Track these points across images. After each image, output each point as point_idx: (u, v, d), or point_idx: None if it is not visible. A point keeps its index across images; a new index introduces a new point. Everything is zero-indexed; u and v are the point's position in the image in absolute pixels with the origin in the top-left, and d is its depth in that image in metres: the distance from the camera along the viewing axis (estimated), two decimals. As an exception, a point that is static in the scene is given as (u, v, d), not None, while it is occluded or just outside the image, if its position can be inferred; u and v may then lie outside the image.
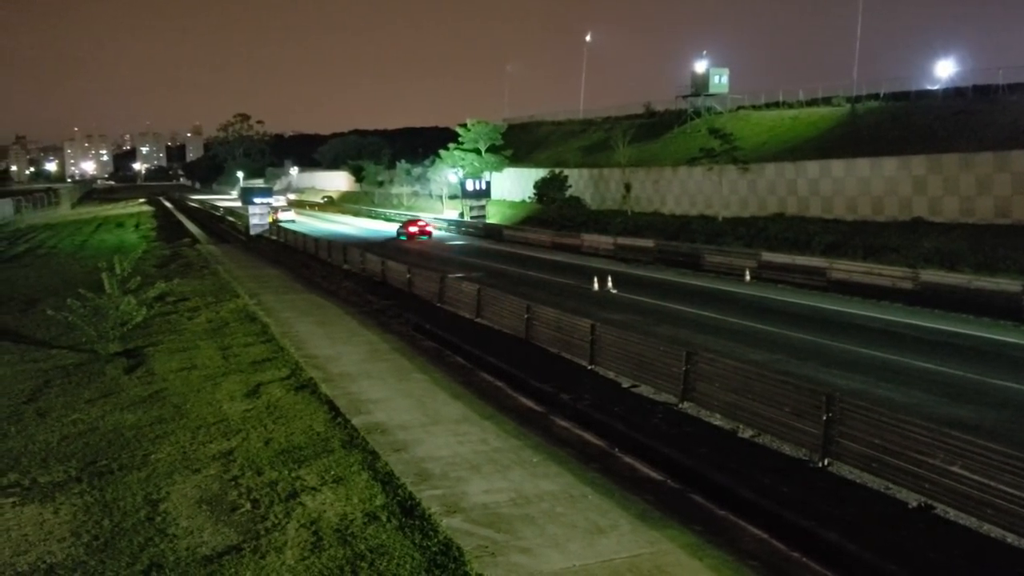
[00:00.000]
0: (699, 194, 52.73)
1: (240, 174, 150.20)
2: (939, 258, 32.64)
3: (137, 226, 74.40)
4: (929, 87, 48.56)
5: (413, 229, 59.30)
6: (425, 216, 72.33)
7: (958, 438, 10.87)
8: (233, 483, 12.33)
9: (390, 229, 65.94)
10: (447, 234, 64.11)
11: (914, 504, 11.08)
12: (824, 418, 12.52)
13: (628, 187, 58.53)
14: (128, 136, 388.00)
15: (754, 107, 59.19)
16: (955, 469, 10.66)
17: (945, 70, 50.18)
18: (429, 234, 59.58)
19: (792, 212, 45.57)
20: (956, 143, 38.73)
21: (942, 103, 44.08)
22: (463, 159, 72.69)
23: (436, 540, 10.11)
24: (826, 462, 12.50)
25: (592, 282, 32.61)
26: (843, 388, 15.91)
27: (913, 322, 24.42)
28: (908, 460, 11.27)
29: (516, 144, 76.21)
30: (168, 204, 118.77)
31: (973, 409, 15.53)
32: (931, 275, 28.34)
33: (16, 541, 10.52)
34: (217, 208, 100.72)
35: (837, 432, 12.38)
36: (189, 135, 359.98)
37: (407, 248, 51.71)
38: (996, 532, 10.14)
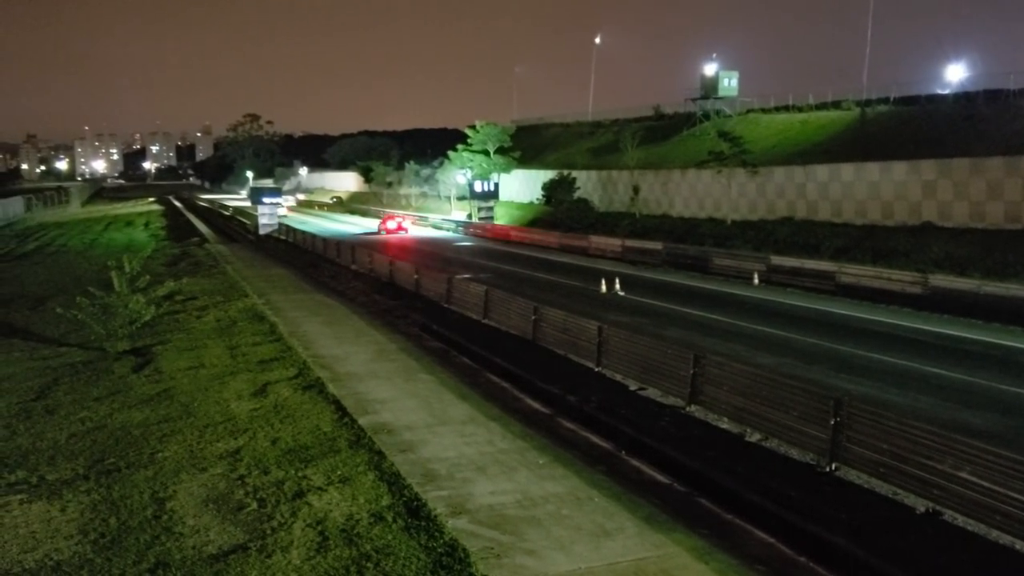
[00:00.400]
0: (708, 197, 52.63)
1: (250, 174, 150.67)
2: (949, 263, 32.50)
3: (147, 225, 74.69)
4: (939, 91, 48.35)
5: (391, 225, 64.55)
6: (434, 216, 73.40)
7: (967, 443, 10.82)
8: (240, 482, 12.35)
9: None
10: (455, 235, 64.35)
11: (922, 510, 11.02)
12: (832, 422, 12.47)
13: (636, 189, 58.47)
14: (138, 135, 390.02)
15: (763, 110, 59.04)
16: (963, 475, 10.61)
17: (955, 74, 49.98)
18: (405, 230, 64.26)
19: (801, 216, 45.42)
20: (966, 148, 38.53)
21: (952, 107, 43.86)
22: (471, 160, 72.73)
23: (442, 541, 10.11)
24: (833, 467, 12.45)
25: (600, 284, 32.57)
26: (851, 392, 15.83)
27: (922, 327, 24.32)
28: (916, 465, 11.22)
29: (524, 146, 76.21)
30: (178, 203, 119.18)
31: (982, 415, 15.46)
32: (940, 280, 28.22)
33: (24, 538, 10.56)
34: (226, 208, 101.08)
35: (845, 437, 12.33)
36: (199, 135, 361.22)
37: (413, 248, 51.78)
38: (1005, 539, 10.08)
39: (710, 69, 63.25)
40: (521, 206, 71.61)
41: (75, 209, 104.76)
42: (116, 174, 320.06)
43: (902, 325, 24.69)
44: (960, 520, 10.60)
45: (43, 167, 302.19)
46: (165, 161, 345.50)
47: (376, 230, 65.43)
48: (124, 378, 19.07)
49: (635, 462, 13.45)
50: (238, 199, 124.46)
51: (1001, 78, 43.52)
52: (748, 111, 60.57)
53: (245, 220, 76.98)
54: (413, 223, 70.53)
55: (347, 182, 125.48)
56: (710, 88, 63.11)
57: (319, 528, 10.61)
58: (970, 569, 9.63)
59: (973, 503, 10.47)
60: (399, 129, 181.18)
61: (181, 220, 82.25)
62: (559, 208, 61.41)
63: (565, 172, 64.62)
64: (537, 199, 67.56)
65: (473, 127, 73.71)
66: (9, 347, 22.67)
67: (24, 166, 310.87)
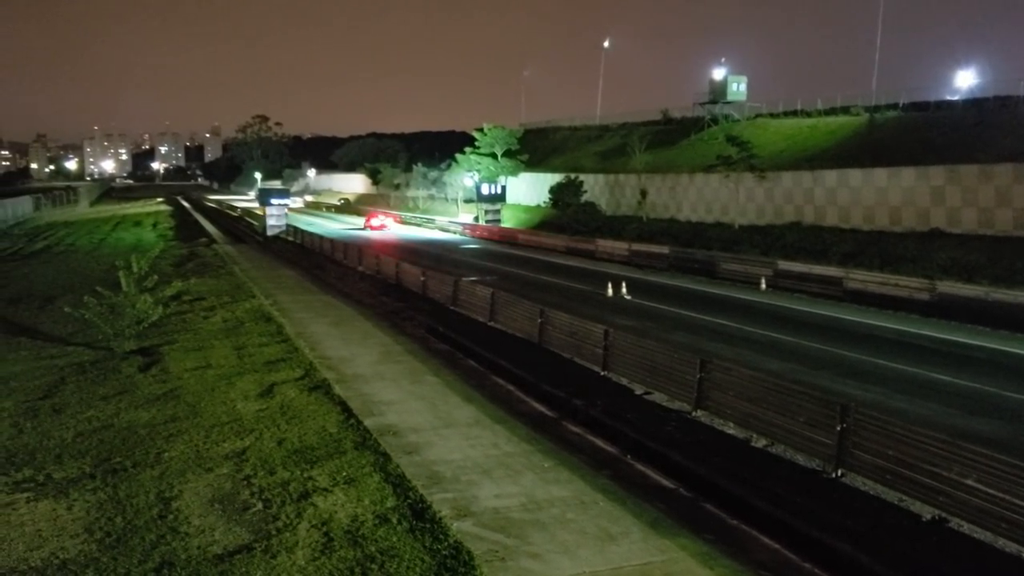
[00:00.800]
0: (715, 201, 52.58)
1: (258, 175, 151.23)
2: (956, 269, 32.39)
3: (155, 225, 74.90)
4: (949, 97, 48.27)
5: (375, 222, 70.99)
6: (441, 219, 74.47)
7: (973, 451, 10.78)
8: (245, 482, 12.37)
9: (398, 231, 70.57)
10: (462, 237, 64.44)
11: (928, 517, 10.99)
12: (838, 429, 12.45)
13: (644, 193, 58.44)
14: (147, 136, 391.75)
15: (772, 115, 59.01)
16: (970, 482, 10.57)
17: (965, 80, 49.89)
18: (386, 227, 70.57)
19: (809, 221, 45.36)
20: (975, 154, 38.43)
21: (962, 113, 43.76)
22: (479, 163, 72.84)
23: (446, 544, 10.12)
24: (840, 473, 12.42)
25: (606, 288, 32.55)
26: (858, 399, 15.80)
27: (929, 333, 24.24)
28: (922, 472, 11.18)
29: (532, 149, 76.28)
30: (186, 204, 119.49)
31: (989, 422, 15.40)
32: (948, 286, 28.13)
33: (30, 536, 10.59)
34: (234, 208, 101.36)
35: (851, 443, 12.30)
36: (208, 135, 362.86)
37: (420, 251, 51.84)
38: (1012, 547, 10.04)
39: (719, 73, 63.28)
40: (528, 209, 71.68)
41: (84, 209, 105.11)
42: (125, 174, 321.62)
43: (909, 331, 24.62)
44: (966, 527, 10.57)
45: (52, 167, 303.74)
46: (174, 161, 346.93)
47: (362, 227, 71.28)
48: (131, 378, 19.12)
49: (640, 466, 13.43)
50: (246, 200, 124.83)
51: (1011, 84, 43.50)
52: (756, 116, 60.56)
53: (253, 221, 77.19)
54: (397, 221, 76.87)
55: (355, 184, 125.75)
56: (719, 92, 63.15)
57: (324, 529, 10.63)
58: (976, 577, 9.59)
59: (979, 510, 10.44)
60: (407, 131, 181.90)
61: (189, 220, 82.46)
62: (566, 211, 61.45)
63: (572, 175, 64.67)
64: (544, 202, 67.63)
65: (481, 130, 73.85)
66: (17, 346, 22.76)
67: (33, 165, 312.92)
